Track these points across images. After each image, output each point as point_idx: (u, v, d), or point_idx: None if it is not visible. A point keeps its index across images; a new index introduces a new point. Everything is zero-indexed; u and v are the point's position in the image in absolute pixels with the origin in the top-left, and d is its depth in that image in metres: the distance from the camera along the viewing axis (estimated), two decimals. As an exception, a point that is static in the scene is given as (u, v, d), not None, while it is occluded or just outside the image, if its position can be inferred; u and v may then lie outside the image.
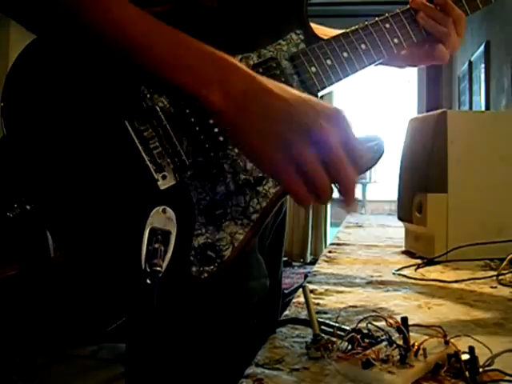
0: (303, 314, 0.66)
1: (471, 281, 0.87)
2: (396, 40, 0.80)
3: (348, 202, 0.57)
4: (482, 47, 4.02)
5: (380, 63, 0.82)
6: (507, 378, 0.44)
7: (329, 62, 0.74)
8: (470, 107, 4.47)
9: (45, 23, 0.58)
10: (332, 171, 0.55)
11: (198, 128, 0.68)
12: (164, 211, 0.65)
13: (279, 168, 0.54)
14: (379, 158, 0.71)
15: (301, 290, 0.67)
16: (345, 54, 0.75)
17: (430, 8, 0.83)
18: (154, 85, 0.62)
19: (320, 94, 0.74)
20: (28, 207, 0.65)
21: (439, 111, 1.09)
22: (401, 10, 0.82)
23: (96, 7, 0.55)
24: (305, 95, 0.57)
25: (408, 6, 0.83)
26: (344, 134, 0.56)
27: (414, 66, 0.91)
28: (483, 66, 4.01)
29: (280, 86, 0.57)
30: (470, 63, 4.49)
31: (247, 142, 0.55)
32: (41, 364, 2.82)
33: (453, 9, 0.83)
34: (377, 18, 0.80)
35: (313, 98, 0.57)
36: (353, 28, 0.78)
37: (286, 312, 0.69)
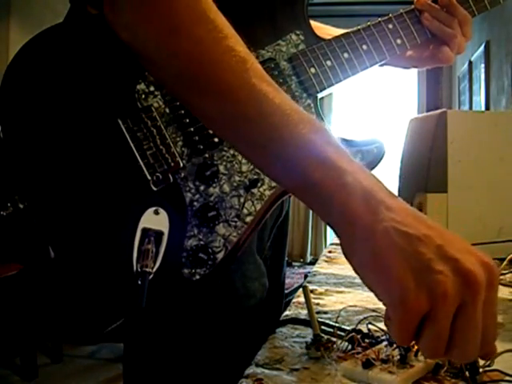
0: (303, 314, 0.66)
1: (471, 281, 0.87)
2: (399, 41, 0.79)
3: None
4: (482, 47, 4.02)
5: (384, 64, 0.82)
6: (507, 378, 0.44)
7: (329, 62, 0.73)
8: (470, 107, 4.47)
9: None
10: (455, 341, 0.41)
11: (192, 129, 0.68)
12: (156, 212, 0.64)
13: (410, 296, 0.40)
14: (379, 160, 0.71)
15: (301, 289, 0.67)
16: (345, 55, 0.74)
17: (435, 9, 0.81)
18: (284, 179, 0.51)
19: (319, 95, 0.74)
20: (21, 206, 0.64)
21: (439, 111, 1.09)
22: (405, 11, 0.81)
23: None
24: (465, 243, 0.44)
25: (412, 7, 0.82)
26: (492, 295, 0.43)
27: (419, 67, 0.90)
28: (483, 65, 4.01)
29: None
30: (470, 63, 4.49)
31: (377, 260, 0.43)
32: (40, 364, 2.82)
33: (458, 10, 0.81)
34: (380, 19, 0.78)
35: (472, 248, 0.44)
36: (355, 28, 0.77)
37: (286, 312, 0.69)
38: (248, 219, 0.67)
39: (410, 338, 0.41)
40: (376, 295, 0.43)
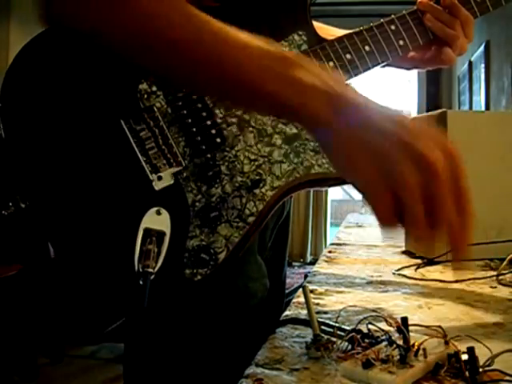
0: (303, 314, 0.66)
1: (471, 281, 0.87)
2: (401, 42, 0.79)
3: (456, 255, 0.53)
4: (482, 47, 4.02)
5: (386, 65, 0.82)
6: (507, 378, 0.44)
7: (331, 63, 0.73)
8: (470, 107, 4.47)
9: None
10: (432, 205, 0.49)
11: (194, 129, 0.68)
12: (158, 212, 0.64)
13: (372, 184, 0.48)
14: None
15: (301, 289, 0.67)
16: (348, 56, 0.74)
17: (438, 10, 0.81)
18: (245, 102, 0.57)
19: None
20: (23, 205, 0.65)
21: (439, 111, 1.09)
22: (407, 12, 0.80)
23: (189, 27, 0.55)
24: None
25: (415, 8, 0.82)
26: (454, 168, 0.51)
27: (421, 68, 0.90)
28: (483, 65, 4.01)
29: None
30: (470, 63, 4.49)
31: (344, 154, 0.49)
32: (41, 364, 2.82)
33: (461, 11, 0.81)
34: (382, 20, 0.78)
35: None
36: (357, 29, 0.77)
37: (286, 312, 0.69)
38: (250, 220, 0.67)
39: (390, 218, 0.49)
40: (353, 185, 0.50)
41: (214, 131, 0.68)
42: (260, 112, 0.62)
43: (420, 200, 0.48)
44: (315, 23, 0.76)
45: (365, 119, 0.49)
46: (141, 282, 0.60)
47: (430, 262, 1.02)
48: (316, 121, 0.50)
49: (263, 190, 0.68)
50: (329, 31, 0.82)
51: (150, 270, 0.61)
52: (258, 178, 0.68)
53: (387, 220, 0.49)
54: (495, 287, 0.83)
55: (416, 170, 0.47)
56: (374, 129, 0.48)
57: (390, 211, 0.48)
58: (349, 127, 0.49)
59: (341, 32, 0.79)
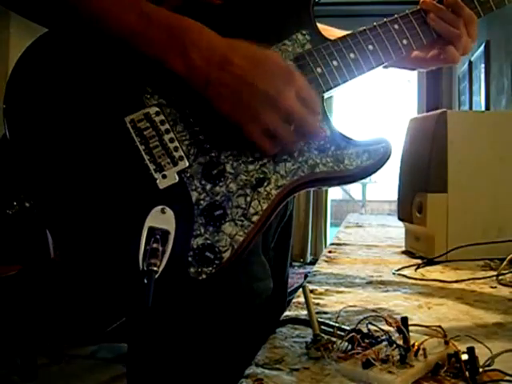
0: (303, 314, 0.66)
1: (471, 281, 0.87)
2: (405, 41, 0.78)
3: (316, 138, 0.69)
4: (482, 47, 4.02)
5: (389, 65, 0.81)
6: (507, 377, 0.44)
7: (335, 62, 0.73)
8: (470, 107, 4.47)
9: (42, 12, 0.66)
10: (297, 126, 0.66)
11: (198, 128, 0.68)
12: (163, 211, 0.64)
13: (250, 131, 0.65)
14: (386, 159, 0.70)
15: (301, 289, 0.67)
16: (351, 55, 0.74)
17: (441, 9, 0.81)
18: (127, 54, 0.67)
19: (325, 95, 0.74)
20: (27, 204, 0.65)
21: (439, 111, 1.09)
22: (410, 11, 0.80)
23: None
24: (259, 52, 0.67)
25: (418, 7, 0.82)
26: (297, 88, 0.66)
27: (424, 68, 0.90)
28: (483, 66, 4.01)
29: (241, 50, 0.66)
30: (470, 63, 4.49)
31: (217, 106, 0.65)
32: (41, 364, 2.82)
33: (464, 10, 0.81)
34: (385, 19, 0.78)
35: (265, 57, 0.67)
36: (360, 29, 0.76)
37: (286, 312, 0.69)
38: (254, 218, 0.67)
39: (270, 147, 0.67)
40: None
41: (217, 130, 0.68)
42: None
43: (286, 128, 0.66)
44: (318, 25, 0.76)
45: (234, 71, 0.64)
46: (145, 281, 0.60)
47: (429, 262, 1.02)
48: (194, 72, 0.64)
49: (268, 188, 0.68)
50: (331, 32, 0.82)
51: (155, 268, 0.61)
52: (262, 176, 0.68)
53: (267, 149, 0.67)
54: (495, 287, 0.83)
55: (277, 112, 0.65)
56: (241, 81, 0.64)
57: (269, 143, 0.67)
58: (220, 78, 0.64)
59: (343, 33, 0.79)
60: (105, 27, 0.64)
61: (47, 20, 0.67)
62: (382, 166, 0.70)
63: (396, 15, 0.79)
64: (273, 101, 0.64)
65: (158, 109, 0.67)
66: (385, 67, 0.80)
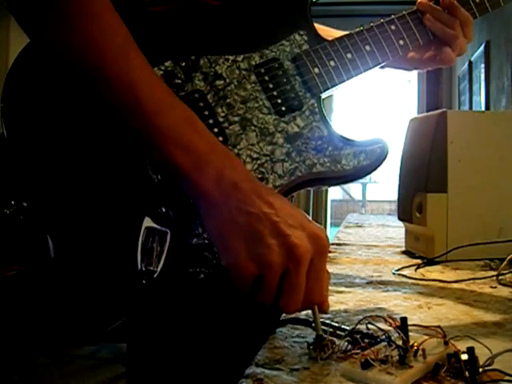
0: (303, 314, 0.66)
1: (471, 281, 0.87)
2: (401, 42, 0.79)
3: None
4: (482, 47, 4.02)
5: (386, 66, 0.82)
6: (507, 377, 0.44)
7: (332, 63, 0.74)
8: (470, 107, 4.47)
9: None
10: (286, 289, 0.53)
11: None
12: (161, 211, 0.64)
13: (240, 263, 0.53)
14: (383, 160, 0.71)
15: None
16: (349, 56, 0.75)
17: (437, 10, 0.82)
18: (143, 151, 0.61)
19: (323, 95, 0.74)
20: (25, 204, 0.65)
21: (439, 111, 1.09)
22: (407, 12, 0.81)
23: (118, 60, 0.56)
24: (295, 210, 0.56)
25: (414, 8, 0.82)
26: (320, 263, 0.55)
27: (420, 68, 0.90)
28: (483, 65, 4.01)
29: (271, 193, 0.57)
30: (470, 63, 4.49)
31: (219, 231, 0.55)
32: (41, 364, 2.82)
33: (460, 11, 0.82)
34: (382, 20, 0.79)
35: (298, 214, 0.56)
36: (357, 29, 0.77)
37: (286, 312, 0.68)
38: None
39: (248, 289, 0.54)
40: (218, 255, 0.56)
41: (216, 130, 0.68)
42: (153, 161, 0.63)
43: (278, 278, 0.52)
44: (315, 25, 0.76)
45: (243, 200, 0.54)
46: (144, 281, 0.60)
47: (429, 262, 1.02)
48: (201, 193, 0.55)
49: None
50: (328, 32, 0.82)
51: (153, 268, 0.61)
52: (260, 176, 0.68)
53: (245, 289, 0.54)
54: (495, 287, 0.83)
55: (283, 255, 0.52)
56: (250, 210, 0.53)
57: (247, 284, 0.53)
58: (228, 205, 0.54)
59: (340, 33, 0.80)
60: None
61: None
62: (378, 165, 0.71)
63: (393, 16, 0.80)
64: (288, 245, 0.52)
65: None
66: (381, 67, 0.80)
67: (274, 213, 0.53)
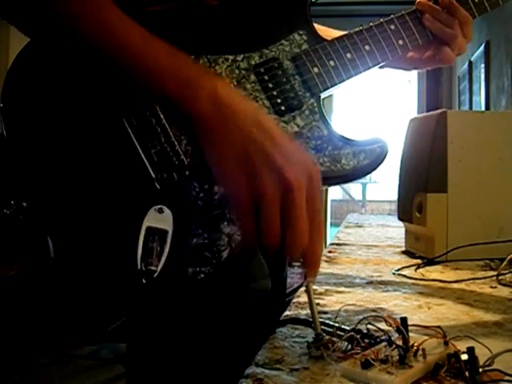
0: (303, 314, 0.66)
1: (471, 281, 0.87)
2: (401, 42, 0.79)
3: (309, 270, 0.59)
4: (482, 47, 4.02)
5: (385, 66, 0.82)
6: (507, 377, 0.44)
7: (332, 62, 0.74)
8: (470, 107, 4.47)
9: (42, 30, 0.60)
10: (288, 221, 0.54)
11: None
12: (161, 210, 0.64)
13: (237, 186, 0.54)
14: (382, 159, 0.71)
15: (301, 289, 0.67)
16: (348, 55, 0.75)
17: (437, 10, 0.82)
18: (138, 89, 0.63)
19: (323, 95, 0.74)
20: (24, 204, 0.65)
21: (439, 111, 1.09)
22: (406, 12, 0.81)
23: (93, 13, 0.58)
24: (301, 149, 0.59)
25: (413, 8, 0.82)
26: (313, 191, 0.55)
27: (420, 68, 0.90)
28: (483, 65, 4.01)
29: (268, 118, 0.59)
30: (470, 63, 4.49)
31: (218, 152, 0.56)
32: (41, 364, 2.82)
33: (459, 11, 0.82)
34: (381, 19, 0.79)
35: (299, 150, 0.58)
36: (357, 29, 0.77)
37: (286, 312, 0.69)
38: None
39: (250, 222, 0.54)
40: (217, 184, 0.60)
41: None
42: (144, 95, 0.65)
43: (276, 208, 0.53)
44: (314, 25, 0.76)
45: (239, 124, 0.56)
46: (144, 281, 0.60)
47: (429, 262, 1.02)
48: (197, 115, 0.57)
49: None
50: (327, 32, 0.82)
51: (153, 268, 0.61)
52: None
53: (246, 220, 0.55)
54: (495, 287, 0.83)
55: (275, 181, 0.53)
56: (253, 146, 0.55)
57: (249, 212, 0.54)
58: (225, 129, 0.56)
59: (339, 33, 0.80)
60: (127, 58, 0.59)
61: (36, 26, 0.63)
62: (378, 165, 0.71)
63: (392, 15, 0.80)
64: (278, 171, 0.54)
65: (156, 107, 0.67)
66: (381, 67, 0.80)
67: (272, 145, 0.55)
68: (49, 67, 0.67)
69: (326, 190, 6.12)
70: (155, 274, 0.61)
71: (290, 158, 0.55)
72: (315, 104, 0.72)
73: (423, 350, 0.46)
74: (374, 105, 8.46)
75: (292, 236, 0.54)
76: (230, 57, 0.71)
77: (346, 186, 8.39)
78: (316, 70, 0.73)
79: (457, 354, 0.46)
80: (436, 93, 5.76)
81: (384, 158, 0.71)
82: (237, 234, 0.66)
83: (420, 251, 1.11)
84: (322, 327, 0.54)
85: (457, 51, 0.84)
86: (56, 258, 0.65)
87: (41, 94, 0.67)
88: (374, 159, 0.70)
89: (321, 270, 0.97)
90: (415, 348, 0.46)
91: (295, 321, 0.63)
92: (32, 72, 0.67)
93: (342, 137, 0.71)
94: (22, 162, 0.66)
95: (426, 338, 0.48)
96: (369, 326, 0.52)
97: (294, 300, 0.74)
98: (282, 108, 0.71)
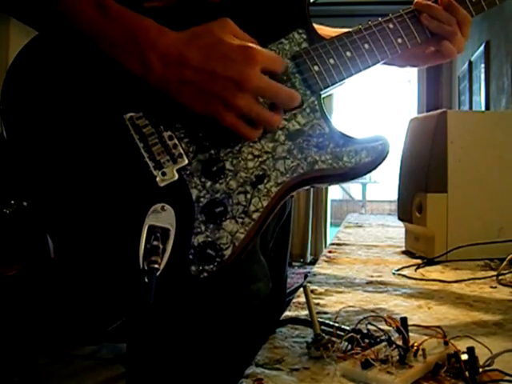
0: (303, 314, 0.66)
1: (471, 281, 0.87)
2: (400, 40, 0.79)
3: (291, 104, 0.67)
4: (482, 47, 4.02)
5: (387, 63, 0.82)
6: (507, 377, 0.44)
7: (332, 61, 0.74)
8: (470, 107, 4.47)
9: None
10: (271, 100, 0.66)
11: (196, 125, 0.68)
12: (163, 208, 0.64)
13: (225, 119, 0.64)
14: (384, 157, 0.71)
15: (301, 289, 0.67)
16: (348, 54, 0.75)
17: (435, 8, 0.82)
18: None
19: (323, 93, 0.74)
20: (25, 204, 0.64)
21: (439, 111, 1.09)
22: (404, 11, 0.81)
23: None
24: (212, 38, 0.64)
25: (412, 7, 0.83)
26: (260, 63, 0.64)
27: (420, 65, 0.90)
28: (483, 65, 4.01)
29: (195, 41, 0.64)
30: (470, 63, 4.49)
31: (188, 105, 0.64)
32: (41, 364, 2.82)
33: (457, 9, 0.82)
34: (380, 19, 0.79)
35: (219, 41, 0.64)
36: (356, 27, 0.77)
37: (286, 312, 0.69)
38: (255, 216, 0.67)
39: (244, 129, 0.65)
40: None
41: (217, 127, 0.68)
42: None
43: (256, 106, 0.64)
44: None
45: (177, 73, 0.63)
46: (146, 280, 0.60)
47: (429, 262, 1.02)
48: (143, 70, 0.63)
49: (268, 185, 0.68)
50: (326, 32, 0.82)
51: (156, 266, 0.61)
52: (262, 173, 0.68)
53: (245, 133, 0.66)
54: (495, 287, 0.83)
55: (245, 93, 0.63)
56: (187, 82, 0.63)
57: (243, 125, 0.65)
58: (169, 78, 0.63)
59: (333, 31, 0.80)
60: (72, 24, 0.63)
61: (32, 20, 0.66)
62: (380, 163, 0.71)
63: (390, 15, 0.80)
64: (238, 83, 0.62)
65: (156, 105, 0.67)
66: (385, 63, 0.80)
67: (195, 76, 0.63)
68: (48, 67, 0.67)
69: (327, 190, 6.12)
70: (158, 273, 0.61)
71: (213, 78, 0.63)
72: (316, 102, 0.72)
73: (423, 350, 0.46)
74: (374, 105, 8.46)
75: (265, 127, 0.67)
76: None
77: (345, 185, 8.39)
78: (316, 68, 0.73)
79: (457, 354, 0.46)
80: (436, 93, 5.75)
81: (386, 155, 0.71)
82: (239, 232, 0.66)
83: (420, 251, 1.11)
84: (322, 327, 0.54)
85: (456, 49, 0.84)
86: (56, 257, 0.64)
87: (40, 94, 0.66)
88: (376, 156, 0.70)
89: (321, 270, 0.97)
90: (415, 348, 0.46)
91: (295, 321, 0.63)
92: (32, 72, 0.67)
93: (344, 134, 0.71)
94: (22, 162, 0.66)
95: (426, 337, 0.48)
96: (369, 326, 0.52)
97: (294, 300, 0.74)
98: None
